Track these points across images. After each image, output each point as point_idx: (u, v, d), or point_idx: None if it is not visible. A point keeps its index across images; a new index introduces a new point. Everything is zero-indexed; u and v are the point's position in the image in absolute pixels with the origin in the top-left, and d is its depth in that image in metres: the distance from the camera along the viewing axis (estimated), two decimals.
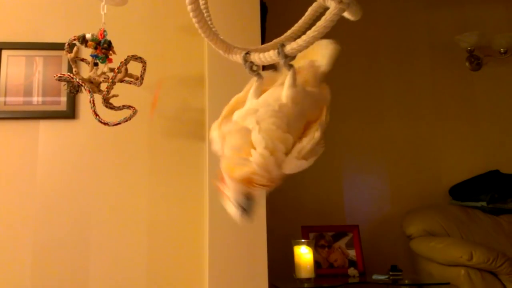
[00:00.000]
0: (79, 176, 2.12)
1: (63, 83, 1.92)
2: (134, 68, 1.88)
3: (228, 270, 1.96)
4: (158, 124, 2.20)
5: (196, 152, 2.17)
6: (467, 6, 3.48)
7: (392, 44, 3.36)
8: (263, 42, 2.20)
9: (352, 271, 2.60)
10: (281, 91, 0.83)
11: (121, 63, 1.81)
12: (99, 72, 1.84)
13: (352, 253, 2.71)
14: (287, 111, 0.80)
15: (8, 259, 2.02)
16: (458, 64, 3.34)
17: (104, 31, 1.79)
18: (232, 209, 0.80)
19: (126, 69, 1.84)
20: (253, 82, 0.89)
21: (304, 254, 2.42)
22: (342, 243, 2.74)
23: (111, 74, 1.81)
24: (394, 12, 3.42)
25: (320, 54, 0.92)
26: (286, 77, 0.84)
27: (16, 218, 2.05)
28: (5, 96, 2.11)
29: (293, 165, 0.78)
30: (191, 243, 2.12)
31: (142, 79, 1.89)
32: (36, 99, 2.13)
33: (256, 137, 0.77)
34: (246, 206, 0.79)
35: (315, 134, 0.79)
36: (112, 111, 1.86)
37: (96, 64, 1.83)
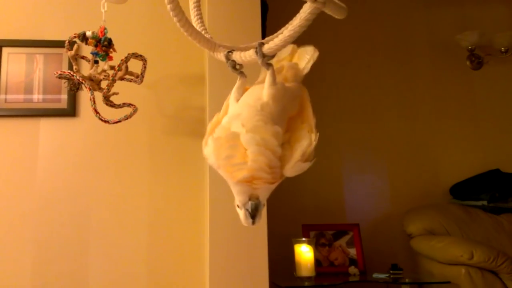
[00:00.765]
0: (79, 174, 2.12)
1: (63, 80, 1.92)
2: (135, 66, 1.88)
3: (228, 268, 1.96)
4: (159, 122, 2.20)
5: (196, 150, 2.17)
6: (467, 5, 3.48)
7: (392, 43, 3.36)
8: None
9: (352, 269, 2.60)
10: (260, 90, 0.83)
11: (121, 61, 1.81)
12: (99, 69, 1.84)
13: (352, 251, 2.71)
14: (269, 109, 0.80)
15: (8, 257, 2.02)
16: (458, 63, 3.33)
17: (105, 28, 1.79)
18: (241, 215, 0.81)
19: (127, 67, 1.84)
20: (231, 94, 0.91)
21: (304, 253, 2.42)
22: (342, 241, 2.74)
23: (111, 72, 1.81)
24: (394, 11, 3.41)
25: (302, 58, 0.93)
26: (264, 76, 0.86)
27: (16, 216, 2.05)
28: (6, 93, 2.11)
29: (297, 168, 0.79)
30: (192, 241, 2.12)
31: (143, 77, 1.89)
32: (36, 96, 2.13)
33: (245, 138, 0.77)
34: (253, 211, 0.80)
35: (312, 136, 0.79)
36: (113, 109, 1.86)
37: (96, 62, 1.83)
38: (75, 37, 1.79)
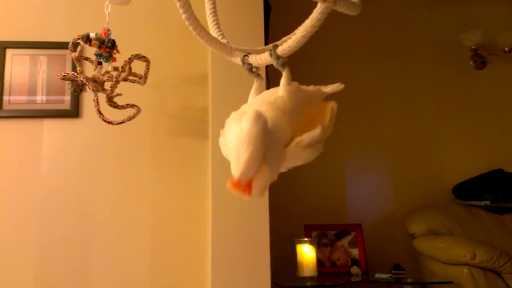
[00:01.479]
0: (82, 175, 2.13)
1: (67, 82, 1.93)
2: (138, 67, 1.89)
3: (231, 268, 1.97)
4: (162, 122, 2.21)
5: (199, 150, 2.18)
6: (471, 4, 3.47)
7: (395, 42, 3.36)
8: (266, 41, 2.20)
9: (354, 269, 2.61)
10: (276, 90, 0.84)
11: (125, 62, 1.82)
12: (103, 71, 1.84)
13: (354, 251, 2.71)
14: (281, 101, 0.80)
15: (12, 257, 2.03)
16: (462, 63, 3.33)
17: (108, 30, 1.80)
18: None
19: (130, 68, 1.84)
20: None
21: (306, 253, 2.43)
22: (344, 241, 2.74)
23: (115, 73, 1.82)
24: (397, 10, 3.41)
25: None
26: (257, 85, 0.87)
27: (19, 216, 2.06)
28: (10, 95, 2.12)
29: (292, 154, 0.75)
30: (194, 241, 2.13)
31: (146, 78, 1.89)
32: (40, 98, 2.14)
33: (246, 115, 0.70)
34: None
35: (316, 129, 0.78)
36: (116, 110, 1.87)
37: (100, 63, 1.84)
38: (78, 38, 1.80)
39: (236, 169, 0.66)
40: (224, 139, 0.83)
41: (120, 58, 1.83)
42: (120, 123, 1.81)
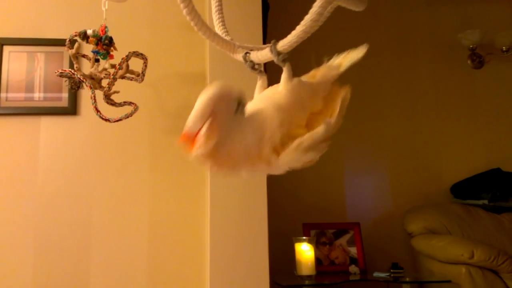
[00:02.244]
0: (80, 172, 2.12)
1: (64, 79, 1.91)
2: (136, 64, 1.88)
3: (229, 267, 1.96)
4: (160, 120, 2.20)
5: None
6: (469, 4, 3.47)
7: (394, 42, 3.36)
8: (264, 39, 2.19)
9: (353, 268, 2.61)
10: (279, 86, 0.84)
11: (122, 59, 1.81)
12: (100, 68, 1.83)
13: (353, 250, 2.71)
14: (279, 98, 0.80)
15: (9, 256, 2.02)
16: (460, 62, 3.33)
17: (106, 27, 1.79)
18: None
19: (128, 66, 1.83)
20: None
21: (305, 251, 2.43)
22: (343, 240, 2.74)
23: (112, 71, 1.81)
24: (396, 9, 3.41)
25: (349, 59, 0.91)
26: (261, 82, 0.89)
27: (17, 215, 2.05)
28: (7, 92, 2.11)
29: (289, 158, 0.76)
30: (192, 239, 2.12)
31: (144, 75, 1.88)
32: (37, 95, 2.13)
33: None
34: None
35: (319, 129, 0.77)
36: (114, 108, 1.85)
37: (97, 60, 1.83)
38: (76, 35, 1.79)
39: (186, 122, 0.69)
40: None
41: (118, 56, 1.82)
42: (118, 120, 1.80)
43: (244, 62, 0.89)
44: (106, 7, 1.83)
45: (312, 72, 0.89)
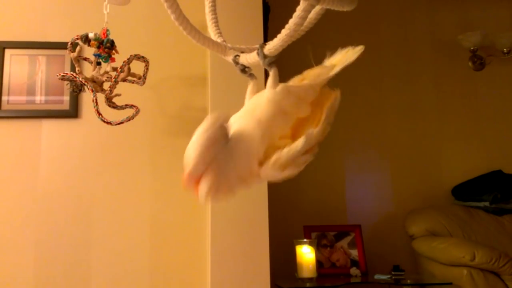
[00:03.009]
0: (81, 175, 2.12)
1: (66, 82, 1.92)
2: (137, 67, 1.89)
3: (230, 269, 1.97)
4: (161, 123, 2.20)
5: None
6: (470, 5, 3.47)
7: (395, 43, 3.36)
8: (265, 41, 2.19)
9: (354, 270, 2.60)
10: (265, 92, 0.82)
11: (124, 62, 1.81)
12: (102, 71, 1.84)
13: (354, 252, 2.70)
14: (260, 111, 0.77)
15: (11, 257, 2.02)
16: (460, 64, 3.33)
17: (107, 30, 1.80)
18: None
19: (129, 69, 1.84)
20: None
21: (306, 254, 2.42)
22: (344, 242, 2.73)
23: (114, 73, 1.82)
24: (397, 11, 3.41)
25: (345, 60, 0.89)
26: (251, 87, 0.87)
27: (19, 216, 2.06)
28: (8, 95, 2.12)
29: (268, 174, 0.75)
30: (193, 242, 2.12)
31: (145, 78, 1.89)
32: (39, 98, 2.14)
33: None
34: None
35: (298, 142, 0.74)
36: (115, 110, 1.86)
37: (99, 63, 1.84)
38: (77, 38, 1.80)
39: (186, 166, 0.72)
40: None
41: (119, 59, 1.82)
42: (119, 123, 1.80)
43: (235, 65, 0.88)
44: (108, 10, 1.83)
45: (303, 73, 0.87)
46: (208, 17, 0.95)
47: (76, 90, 1.87)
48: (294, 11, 0.73)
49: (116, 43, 1.82)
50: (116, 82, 1.80)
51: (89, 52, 1.89)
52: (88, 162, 2.13)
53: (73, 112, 2.14)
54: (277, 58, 0.81)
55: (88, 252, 2.07)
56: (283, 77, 0.82)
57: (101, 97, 1.82)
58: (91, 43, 1.78)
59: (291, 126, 0.80)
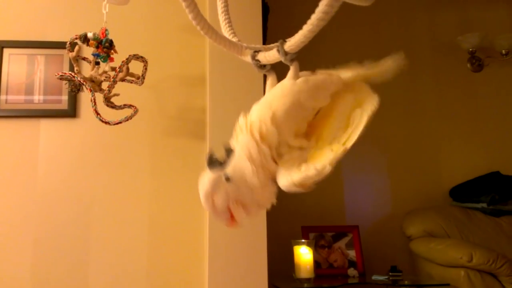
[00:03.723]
0: (80, 175, 2.12)
1: (64, 81, 1.92)
2: (136, 67, 1.89)
3: (227, 269, 1.97)
4: (159, 123, 2.20)
5: (196, 151, 2.17)
6: (469, 7, 3.48)
7: (394, 44, 3.36)
8: (264, 42, 2.20)
9: (351, 271, 2.60)
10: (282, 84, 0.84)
11: (122, 62, 1.81)
12: (100, 71, 1.84)
13: (352, 253, 2.71)
14: (275, 104, 0.79)
15: (8, 257, 2.02)
16: (459, 65, 3.34)
17: (106, 30, 1.80)
18: None
19: (128, 68, 1.84)
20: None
21: (304, 254, 2.42)
22: (342, 243, 2.74)
23: (112, 73, 1.82)
24: (396, 12, 3.42)
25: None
26: (270, 81, 0.89)
27: (17, 216, 2.06)
28: (7, 94, 2.11)
29: (290, 188, 0.80)
30: (191, 242, 2.12)
31: (144, 78, 1.89)
32: (37, 97, 2.14)
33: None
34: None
35: (325, 168, 0.79)
36: (113, 110, 1.86)
37: (97, 63, 1.84)
38: (76, 38, 1.80)
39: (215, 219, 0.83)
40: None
41: (118, 58, 1.82)
42: (118, 123, 1.80)
43: (252, 62, 0.89)
44: (107, 10, 1.83)
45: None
46: (221, 17, 0.96)
47: (75, 90, 1.87)
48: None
49: (115, 43, 1.82)
50: (114, 82, 1.80)
51: (88, 51, 1.89)
52: (86, 162, 2.13)
53: (71, 111, 2.14)
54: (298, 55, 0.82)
55: (87, 251, 2.07)
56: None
57: (99, 96, 1.82)
58: (90, 43, 1.78)
59: (308, 122, 0.82)
